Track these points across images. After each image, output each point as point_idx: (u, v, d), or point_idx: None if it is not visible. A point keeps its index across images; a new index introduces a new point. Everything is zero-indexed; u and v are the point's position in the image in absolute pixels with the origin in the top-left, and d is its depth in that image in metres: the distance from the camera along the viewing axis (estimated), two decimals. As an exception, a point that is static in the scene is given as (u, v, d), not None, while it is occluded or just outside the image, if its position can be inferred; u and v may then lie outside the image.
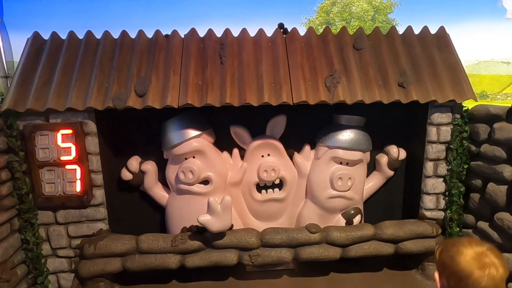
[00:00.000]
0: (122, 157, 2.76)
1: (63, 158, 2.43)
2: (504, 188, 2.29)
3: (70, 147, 2.43)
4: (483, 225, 2.50)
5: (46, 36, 2.64)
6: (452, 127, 2.63)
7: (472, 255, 1.11)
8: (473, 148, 2.60)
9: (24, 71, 2.50)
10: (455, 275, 1.12)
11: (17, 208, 2.41)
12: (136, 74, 2.49)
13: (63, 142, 2.42)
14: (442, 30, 2.84)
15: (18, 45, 2.75)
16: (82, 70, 2.50)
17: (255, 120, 2.74)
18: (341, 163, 2.71)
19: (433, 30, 2.83)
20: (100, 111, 2.43)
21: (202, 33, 2.72)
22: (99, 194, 2.56)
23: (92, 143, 2.48)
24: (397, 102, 2.53)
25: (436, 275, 1.22)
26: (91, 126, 2.46)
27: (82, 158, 2.45)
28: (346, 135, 2.68)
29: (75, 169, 2.46)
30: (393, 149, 2.86)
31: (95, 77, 2.46)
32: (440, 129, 2.64)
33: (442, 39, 2.79)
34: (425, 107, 2.64)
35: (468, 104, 2.70)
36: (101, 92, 2.44)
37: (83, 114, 2.42)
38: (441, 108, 2.61)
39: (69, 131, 2.41)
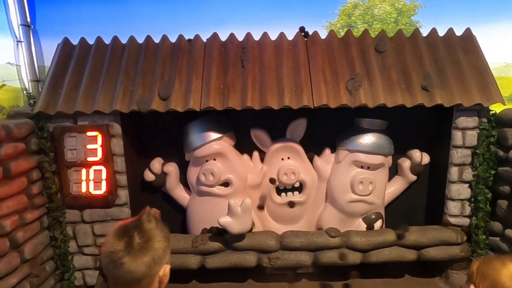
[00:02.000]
0: (145, 158, 2.83)
1: (89, 159, 2.53)
2: (534, 195, 2.21)
3: (96, 149, 2.52)
4: (512, 233, 2.41)
5: (75, 41, 2.76)
6: (478, 131, 2.55)
7: None
8: (501, 153, 2.51)
9: (55, 75, 2.61)
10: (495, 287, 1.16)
11: (46, 206, 2.52)
12: (160, 78, 2.56)
13: (90, 143, 2.51)
14: (468, 32, 2.77)
15: (49, 50, 2.88)
16: (109, 74, 2.59)
17: (275, 123, 2.76)
18: (362, 167, 2.69)
19: (458, 32, 2.76)
20: (125, 113, 2.51)
21: (224, 37, 2.76)
22: (124, 194, 2.64)
23: (117, 145, 2.56)
24: (421, 105, 2.48)
25: (472, 287, 1.24)
26: (117, 128, 2.54)
27: (107, 159, 2.53)
28: (368, 139, 2.65)
29: (101, 170, 2.55)
30: (416, 154, 2.81)
31: (120, 81, 2.54)
32: (465, 134, 2.57)
33: (468, 41, 2.72)
34: (450, 111, 2.57)
35: (496, 108, 2.62)
36: (127, 95, 2.51)
37: (109, 116, 2.51)
38: (467, 112, 2.54)
39: (95, 133, 2.50)
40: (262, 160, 2.83)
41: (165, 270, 1.06)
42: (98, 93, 2.51)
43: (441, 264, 2.73)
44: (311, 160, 2.83)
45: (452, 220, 2.70)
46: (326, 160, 2.82)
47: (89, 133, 2.50)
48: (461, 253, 2.62)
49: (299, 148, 2.76)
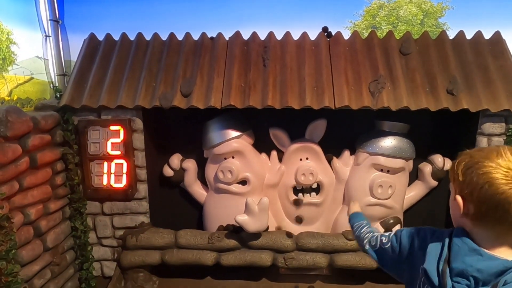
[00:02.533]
0: (164, 154, 2.87)
1: (111, 152, 2.58)
2: None
3: (118, 143, 2.57)
4: (537, 244, 2.32)
5: (101, 37, 2.82)
6: (505, 138, 2.48)
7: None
8: (529, 161, 2.43)
9: (80, 70, 2.67)
10: (489, 201, 0.87)
11: (69, 197, 2.59)
12: (182, 75, 2.58)
13: (112, 137, 2.56)
14: (497, 35, 2.68)
15: (76, 45, 2.95)
16: (132, 70, 2.63)
17: (295, 123, 2.75)
18: (382, 170, 2.65)
19: (487, 35, 2.68)
20: (147, 109, 2.55)
21: (246, 36, 2.77)
22: (143, 189, 2.69)
23: (139, 140, 2.61)
24: (445, 110, 2.42)
25: (459, 198, 0.94)
26: (139, 124, 2.59)
27: (128, 154, 2.58)
28: (389, 142, 2.61)
29: (122, 164, 2.60)
30: (438, 159, 2.74)
31: (144, 77, 2.58)
32: (491, 140, 2.50)
33: (497, 45, 2.64)
34: (476, 116, 2.51)
35: (525, 115, 2.53)
36: (149, 91, 2.55)
37: (132, 111, 2.55)
38: (494, 117, 2.47)
39: (118, 127, 2.55)
40: (280, 160, 2.82)
41: None
42: (122, 88, 2.55)
43: (461, 273, 2.66)
44: (329, 161, 2.81)
45: (474, 228, 2.62)
46: (345, 162, 2.79)
47: (112, 127, 2.55)
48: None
49: (318, 149, 2.74)
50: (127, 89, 2.55)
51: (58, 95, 2.61)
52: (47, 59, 3.28)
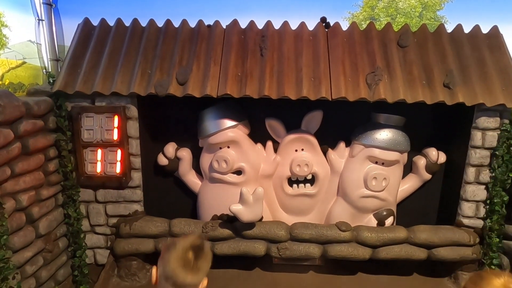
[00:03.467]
0: (159, 142, 2.85)
1: (105, 140, 2.55)
2: (554, 200, 2.15)
3: (112, 130, 2.54)
4: (527, 237, 2.37)
5: (95, 22, 2.76)
6: (499, 132, 2.49)
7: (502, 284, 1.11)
8: (521, 156, 2.45)
9: (74, 55, 2.62)
10: None
11: (61, 184, 2.56)
12: (178, 63, 2.55)
13: (106, 124, 2.53)
14: (495, 29, 2.68)
15: (70, 30, 2.89)
16: (127, 56, 2.59)
17: (291, 114, 2.74)
18: (376, 162, 2.66)
19: (485, 29, 2.68)
20: (142, 96, 2.51)
21: (243, 24, 2.74)
22: (137, 177, 2.67)
23: (133, 127, 2.58)
24: (441, 103, 2.43)
25: None
26: (133, 111, 2.56)
27: (123, 141, 2.55)
28: (384, 135, 2.62)
29: (116, 151, 2.57)
30: (433, 152, 2.76)
31: (139, 64, 2.54)
32: (486, 134, 2.51)
33: (494, 39, 2.65)
34: (471, 110, 2.52)
35: (519, 110, 2.55)
36: (144, 78, 2.52)
37: (126, 99, 2.52)
38: (489, 112, 2.48)
39: (112, 115, 2.52)
40: (275, 150, 2.82)
41: (203, 283, 1.25)
42: (116, 75, 2.51)
43: (451, 265, 2.71)
44: (325, 153, 2.81)
45: (466, 221, 2.66)
46: (340, 153, 2.80)
47: (106, 114, 2.51)
48: (472, 254, 2.58)
49: (314, 140, 2.74)
50: (122, 75, 2.51)
51: (51, 81, 2.55)
52: (40, 44, 3.21)
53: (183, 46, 2.63)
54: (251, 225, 2.59)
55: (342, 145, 2.80)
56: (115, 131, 2.53)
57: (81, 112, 2.51)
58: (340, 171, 2.78)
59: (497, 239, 2.57)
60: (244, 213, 2.48)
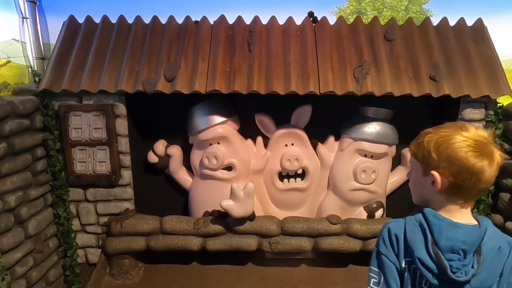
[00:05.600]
0: (149, 140, 2.83)
1: (94, 138, 2.53)
2: (537, 188, 2.21)
3: (101, 128, 2.52)
4: (512, 226, 2.43)
5: (81, 19, 2.73)
6: (484, 123, 2.54)
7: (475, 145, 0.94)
8: (506, 146, 2.51)
9: (60, 53, 2.59)
10: (465, 172, 0.94)
11: (50, 184, 2.54)
12: (166, 59, 2.54)
13: (94, 123, 2.51)
14: (479, 22, 2.72)
15: (55, 27, 2.85)
16: (114, 53, 2.57)
17: (280, 109, 2.74)
18: (365, 155, 2.68)
19: (470, 22, 2.72)
20: (130, 94, 2.50)
21: (231, 20, 2.73)
22: (127, 175, 2.66)
23: (122, 125, 2.56)
24: (427, 96, 2.46)
25: (436, 174, 0.98)
26: (121, 109, 2.54)
27: (112, 139, 2.54)
28: (373, 128, 2.64)
29: (105, 150, 2.56)
30: (420, 144, 2.79)
31: (126, 61, 2.52)
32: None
33: (479, 32, 2.68)
34: (457, 102, 2.55)
35: (504, 101, 2.60)
36: (132, 76, 2.50)
37: (114, 96, 2.50)
38: (474, 103, 2.52)
39: (100, 113, 2.50)
40: (265, 145, 2.83)
41: None
42: (104, 73, 2.49)
43: (440, 254, 2.75)
44: (314, 147, 2.83)
45: (453, 211, 2.70)
46: (329, 147, 2.82)
47: (94, 113, 2.49)
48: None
49: (303, 135, 2.75)
50: (109, 73, 2.49)
51: (37, 79, 2.52)
52: (25, 42, 3.16)
53: (170, 42, 2.62)
54: (242, 220, 2.60)
55: (331, 139, 2.82)
56: (104, 130, 2.52)
57: (68, 111, 2.49)
58: (330, 164, 2.80)
59: (484, 228, 2.62)
60: (235, 208, 2.49)
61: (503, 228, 2.54)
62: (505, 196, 2.53)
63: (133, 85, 2.47)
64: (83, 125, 2.51)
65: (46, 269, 2.47)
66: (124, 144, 2.59)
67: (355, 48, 2.59)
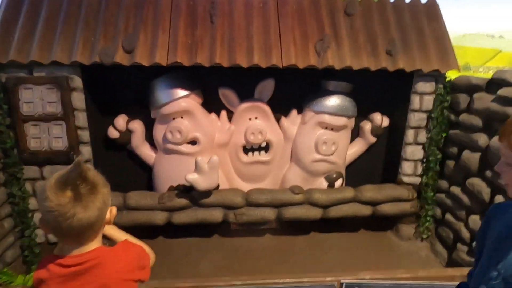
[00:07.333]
0: (109, 115, 2.73)
1: (48, 113, 2.40)
2: (477, 155, 2.43)
3: (55, 102, 2.39)
4: (456, 190, 2.66)
5: (26, -16, 2.51)
6: (434, 96, 2.71)
7: None
8: (453, 117, 2.71)
9: (5, 22, 2.39)
10: None
11: (2, 162, 2.40)
12: (124, 30, 2.43)
13: (48, 96, 2.38)
14: (432, 0, 2.85)
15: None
16: (67, 22, 2.41)
17: (244, 83, 2.75)
18: (326, 128, 2.78)
19: (423, -1, 2.84)
20: (86, 66, 2.38)
21: (192, -10, 2.64)
22: (86, 151, 2.57)
23: (78, 99, 2.45)
24: (384, 70, 2.57)
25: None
26: (77, 82, 2.42)
27: (68, 114, 2.42)
28: (333, 101, 2.73)
29: (61, 125, 2.44)
30: (377, 117, 2.94)
31: (80, 31, 2.39)
32: (423, 98, 2.72)
33: (431, 9, 2.82)
34: (410, 76, 2.70)
35: (451, 75, 2.78)
36: (87, 46, 2.37)
37: (69, 68, 2.37)
38: (426, 77, 2.68)
39: (54, 86, 2.36)
40: (229, 119, 2.84)
41: (112, 211, 1.11)
42: (56, 43, 2.34)
43: (393, 219, 2.98)
44: (278, 121, 2.88)
45: (405, 179, 2.91)
46: (292, 121, 2.89)
47: (47, 85, 2.35)
48: (411, 208, 2.86)
49: (267, 109, 2.79)
50: (61, 43, 2.35)
51: (-20, 49, 2.32)
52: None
53: (128, 12, 2.50)
54: (207, 193, 2.63)
55: (294, 112, 2.88)
56: (59, 104, 2.39)
57: (17, 84, 2.33)
58: (293, 137, 2.88)
59: (432, 193, 2.86)
60: (200, 181, 2.51)
61: (447, 192, 2.78)
62: (450, 163, 2.75)
63: (89, 56, 2.35)
64: (36, 99, 2.37)
65: (1, 250, 2.37)
66: (81, 119, 2.49)
67: (317, 22, 2.63)
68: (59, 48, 2.32)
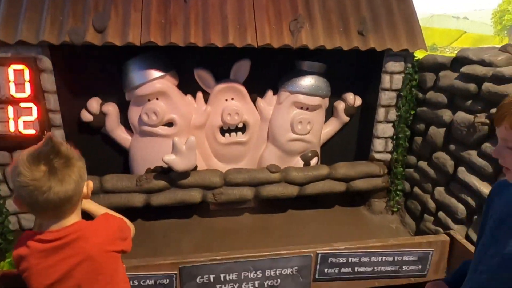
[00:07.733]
0: (81, 97, 2.67)
1: (16, 95, 2.32)
2: (442, 130, 2.57)
3: (23, 84, 2.31)
4: (423, 164, 2.81)
5: (-15, -41, 2.37)
6: (403, 75, 2.82)
7: None
8: (420, 95, 2.84)
9: (-37, -2, 2.26)
10: None
11: (-32, 147, 2.31)
12: (94, 8, 2.35)
13: (15, 78, 2.29)
14: (402, -20, 2.92)
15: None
16: (31, 0, 2.31)
17: (219, 64, 2.75)
18: (301, 108, 2.84)
19: (393, -20, 2.91)
20: (55, 46, 2.30)
21: (164, -33, 2.58)
22: (59, 135, 2.50)
23: (48, 81, 2.38)
24: (356, 50, 2.65)
25: None
26: (46, 62, 2.34)
27: (38, 96, 2.35)
28: (308, 81, 2.79)
29: (31, 108, 2.37)
30: (350, 96, 3.03)
31: (47, 8, 2.29)
32: (393, 77, 2.83)
33: (401, -11, 2.89)
34: (381, 56, 2.79)
35: (419, 55, 2.90)
36: (55, 25, 2.29)
37: (37, 48, 2.29)
38: (395, 57, 2.78)
39: (21, 67, 2.28)
40: (206, 101, 2.84)
41: (88, 185, 1.12)
42: (21, 21, 2.25)
43: (365, 194, 3.12)
44: (254, 101, 2.91)
45: (377, 155, 3.04)
46: (268, 101, 2.93)
47: (14, 66, 2.26)
48: (382, 183, 3.00)
49: (243, 89, 2.81)
50: (27, 22, 2.25)
51: None
52: None
53: (97, -11, 2.42)
54: (186, 174, 2.65)
55: (270, 93, 2.92)
56: (27, 85, 2.31)
57: (-19, 65, 2.22)
58: (269, 118, 2.92)
59: (401, 169, 3.01)
60: (178, 162, 2.52)
61: (415, 167, 2.93)
62: (418, 139, 2.90)
63: (57, 35, 2.27)
64: (1, 80, 2.28)
65: (-27, 237, 2.31)
66: (52, 101, 2.42)
67: (290, 1, 2.65)
68: (25, 27, 2.23)
